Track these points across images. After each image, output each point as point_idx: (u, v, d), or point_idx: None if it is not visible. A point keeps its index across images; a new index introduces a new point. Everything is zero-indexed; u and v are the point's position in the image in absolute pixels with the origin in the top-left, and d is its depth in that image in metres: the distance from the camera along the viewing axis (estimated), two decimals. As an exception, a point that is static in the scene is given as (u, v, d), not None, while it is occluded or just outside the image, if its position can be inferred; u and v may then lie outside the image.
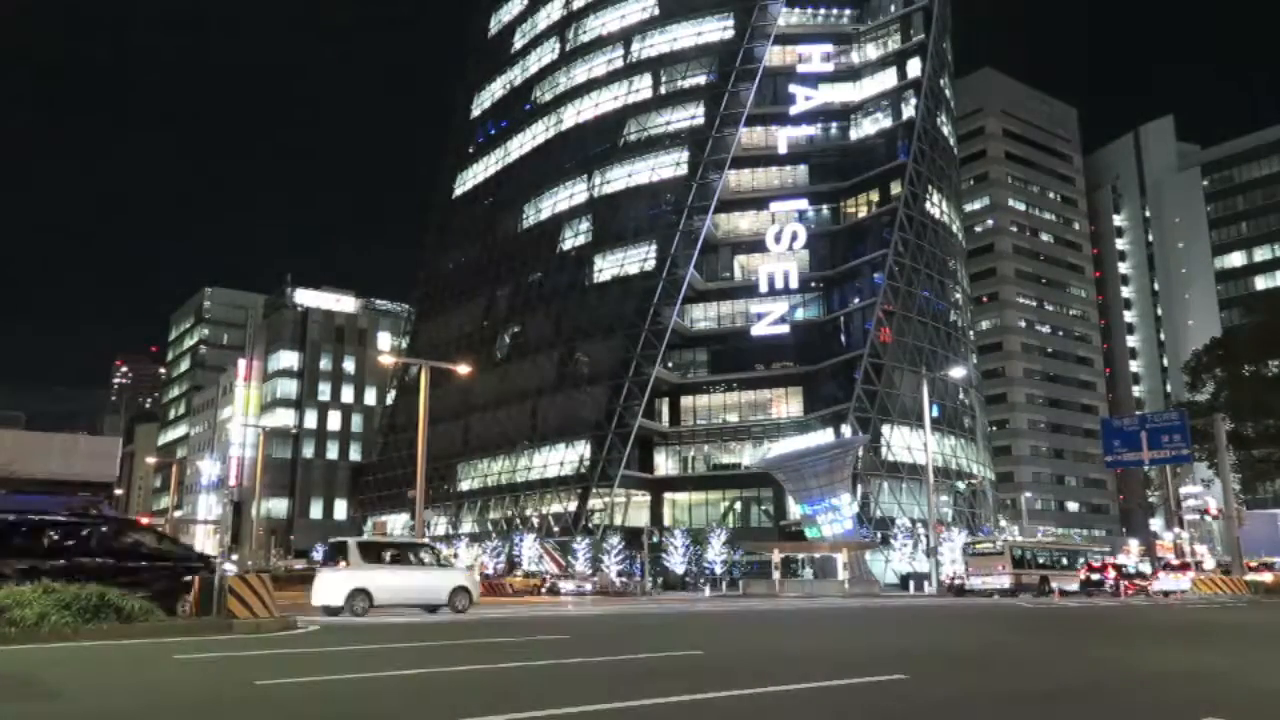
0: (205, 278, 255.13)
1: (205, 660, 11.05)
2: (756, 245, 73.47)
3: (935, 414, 62.41)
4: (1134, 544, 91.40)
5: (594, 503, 68.50)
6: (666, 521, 69.51)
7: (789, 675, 9.25)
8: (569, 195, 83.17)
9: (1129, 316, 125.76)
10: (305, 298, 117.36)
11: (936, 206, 75.47)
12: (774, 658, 12.00)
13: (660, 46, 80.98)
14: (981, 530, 68.58)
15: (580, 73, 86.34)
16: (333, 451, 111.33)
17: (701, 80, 77.84)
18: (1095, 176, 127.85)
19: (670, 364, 72.21)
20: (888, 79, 76.17)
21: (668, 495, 72.87)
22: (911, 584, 52.51)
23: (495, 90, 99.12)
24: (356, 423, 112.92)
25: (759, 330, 71.38)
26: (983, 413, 79.78)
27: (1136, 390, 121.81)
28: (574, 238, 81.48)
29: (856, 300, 70.62)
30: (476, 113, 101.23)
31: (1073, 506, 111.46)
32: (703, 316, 74.55)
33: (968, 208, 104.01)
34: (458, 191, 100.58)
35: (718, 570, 57.22)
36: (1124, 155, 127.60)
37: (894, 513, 63.59)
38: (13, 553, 13.90)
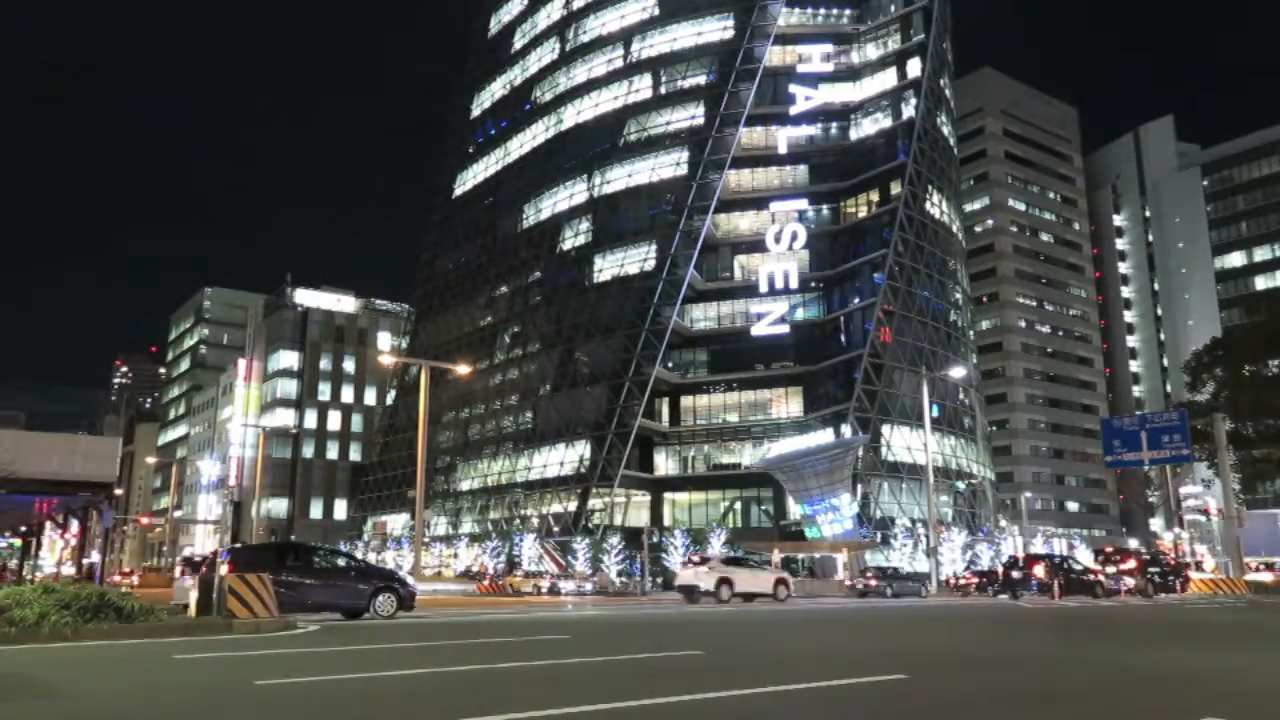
0: (205, 278, 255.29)
1: (205, 660, 11.04)
2: (756, 245, 73.46)
3: (935, 414, 62.41)
4: (1133, 542, 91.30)
5: (594, 503, 68.46)
6: (666, 521, 69.48)
7: (789, 675, 9.24)
8: (569, 195, 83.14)
9: (1129, 316, 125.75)
10: (305, 298, 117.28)
11: (936, 206, 75.45)
12: (774, 657, 11.99)
13: (660, 46, 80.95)
14: (981, 530, 68.59)
15: (580, 73, 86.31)
16: (333, 451, 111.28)
17: (701, 80, 77.81)
18: (1095, 176, 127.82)
19: (670, 364, 72.18)
20: (888, 79, 76.15)
21: (668, 495, 72.84)
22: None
23: (495, 90, 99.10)
24: (356, 423, 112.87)
25: (759, 330, 71.36)
26: (983, 413, 79.76)
27: (1136, 390, 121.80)
28: (574, 238, 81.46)
29: (856, 300, 70.59)
30: (476, 112, 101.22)
31: (1073, 506, 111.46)
32: (703, 316, 74.52)
33: (968, 208, 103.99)
34: (458, 191, 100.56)
35: (718, 570, 57.11)
36: (1124, 155, 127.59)
37: (894, 513, 63.57)
38: (269, 568, 18.55)
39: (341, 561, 22.00)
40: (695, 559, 36.71)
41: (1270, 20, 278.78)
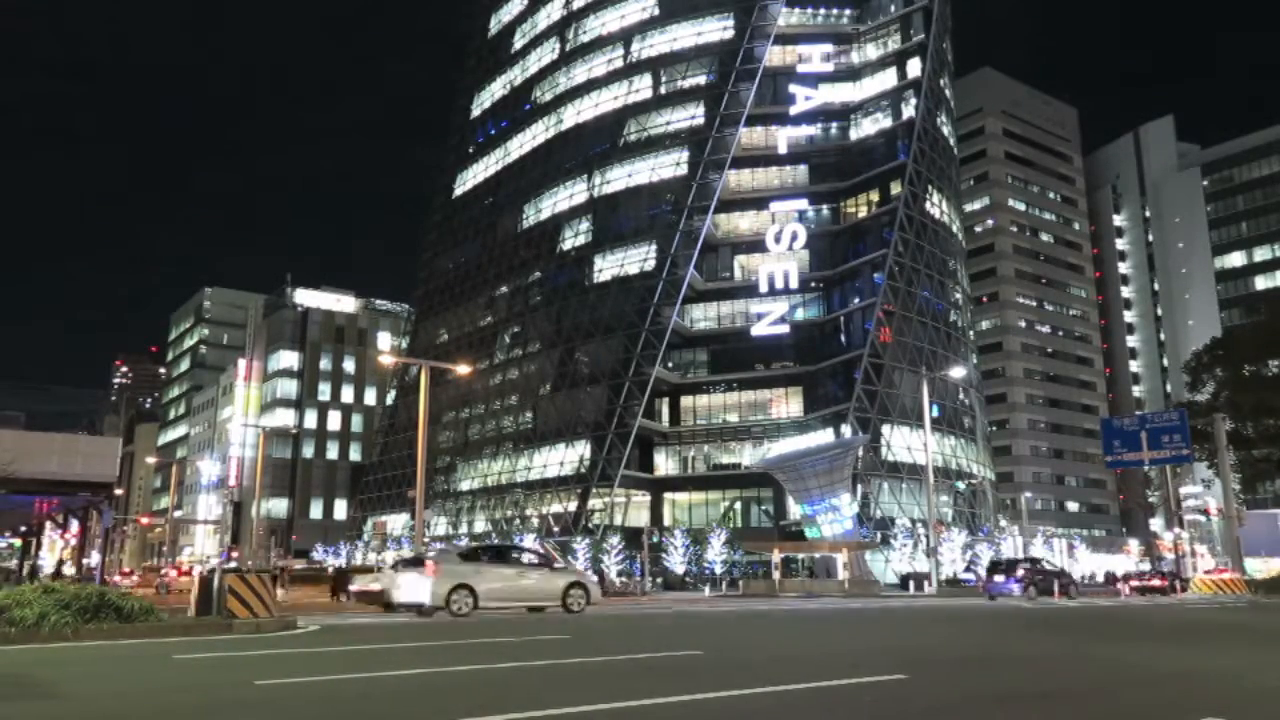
0: (205, 278, 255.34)
1: (205, 660, 11.04)
2: (756, 245, 73.47)
3: (935, 414, 62.42)
4: (1134, 543, 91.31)
5: (594, 503, 68.47)
6: (666, 521, 69.50)
7: (789, 675, 9.23)
8: (569, 195, 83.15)
9: (1129, 316, 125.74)
10: (305, 298, 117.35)
11: (936, 206, 75.47)
12: (774, 657, 11.98)
13: (660, 46, 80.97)
14: (981, 530, 68.59)
15: (580, 73, 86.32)
16: (333, 451, 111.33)
17: (701, 80, 77.83)
18: (1095, 176, 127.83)
19: (670, 364, 72.19)
20: (888, 79, 76.17)
21: (668, 495, 72.86)
22: (911, 584, 52.47)
23: (495, 90, 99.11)
24: (356, 423, 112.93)
25: (759, 330, 71.38)
26: (983, 413, 79.76)
27: (1136, 390, 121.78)
28: (574, 238, 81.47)
29: (856, 300, 70.61)
30: (476, 112, 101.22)
31: (1073, 506, 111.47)
32: (703, 316, 74.54)
33: (968, 208, 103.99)
34: (458, 191, 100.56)
35: (718, 570, 57.21)
36: (1124, 155, 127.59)
37: (894, 513, 63.58)
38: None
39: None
40: None
41: (1270, 20, 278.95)
